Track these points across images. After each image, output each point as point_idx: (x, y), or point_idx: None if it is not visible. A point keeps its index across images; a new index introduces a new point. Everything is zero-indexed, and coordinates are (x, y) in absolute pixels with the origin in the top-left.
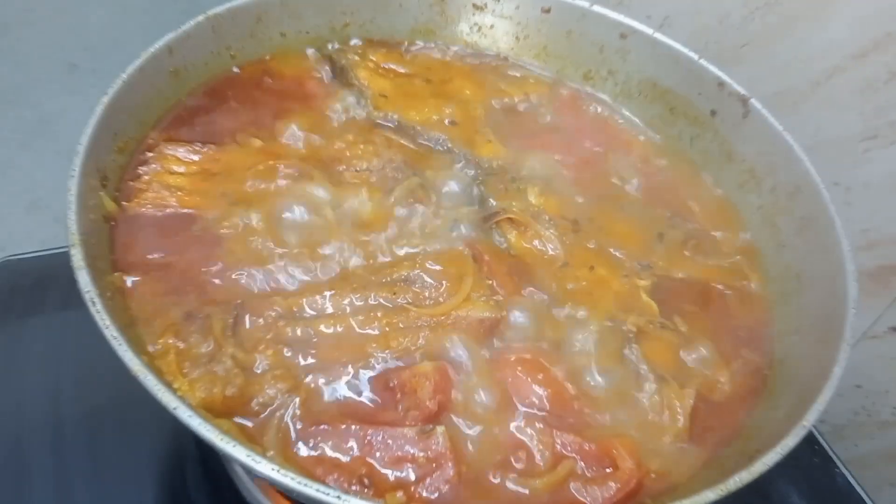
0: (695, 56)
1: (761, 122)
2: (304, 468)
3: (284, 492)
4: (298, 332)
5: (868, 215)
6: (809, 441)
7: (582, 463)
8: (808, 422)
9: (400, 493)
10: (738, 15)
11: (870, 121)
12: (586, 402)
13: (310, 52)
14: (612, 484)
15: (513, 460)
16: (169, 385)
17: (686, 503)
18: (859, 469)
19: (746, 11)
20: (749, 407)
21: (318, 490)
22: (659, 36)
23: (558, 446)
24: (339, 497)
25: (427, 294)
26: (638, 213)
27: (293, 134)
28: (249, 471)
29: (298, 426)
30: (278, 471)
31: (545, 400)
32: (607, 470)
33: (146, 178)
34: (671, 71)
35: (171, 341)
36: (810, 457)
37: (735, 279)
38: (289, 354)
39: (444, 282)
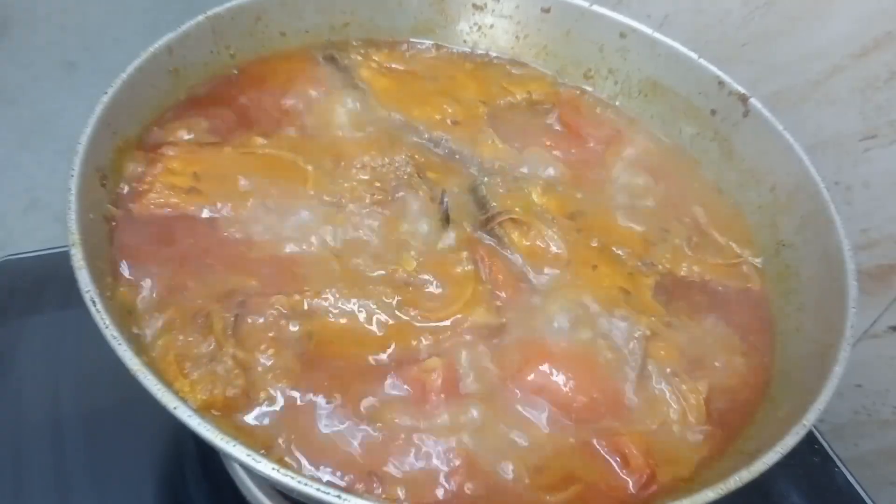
0: (694, 55)
1: (761, 122)
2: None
3: (285, 491)
4: (300, 331)
5: (868, 215)
6: (809, 440)
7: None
8: (808, 421)
9: (402, 492)
10: (738, 14)
11: (870, 120)
12: (596, 400)
13: (311, 51)
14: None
15: (523, 459)
16: (169, 385)
17: (686, 503)
18: (859, 468)
19: (746, 11)
20: (758, 399)
21: (318, 489)
22: (659, 35)
23: (570, 442)
24: (339, 496)
25: (429, 297)
26: (639, 211)
27: (294, 133)
28: (249, 470)
29: (303, 426)
30: (278, 470)
31: (553, 399)
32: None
33: (147, 178)
34: (671, 70)
35: (171, 341)
36: (810, 456)
37: (736, 277)
38: (290, 354)
39: (445, 285)
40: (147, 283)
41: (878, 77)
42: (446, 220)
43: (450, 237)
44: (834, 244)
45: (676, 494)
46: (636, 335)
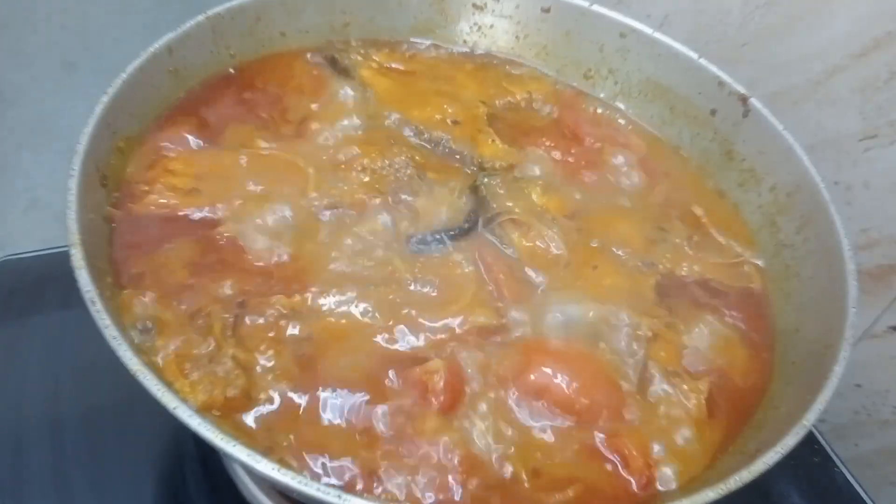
0: (694, 55)
1: (761, 122)
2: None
3: (285, 491)
4: (300, 331)
5: (868, 214)
6: (809, 440)
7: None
8: (808, 421)
9: (402, 492)
10: (738, 14)
11: (870, 120)
12: (597, 400)
13: (311, 51)
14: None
15: (524, 460)
16: (169, 385)
17: (686, 503)
18: (859, 468)
19: (746, 10)
20: (758, 399)
21: (318, 489)
22: (659, 35)
23: (571, 443)
24: (339, 496)
25: (429, 298)
26: (639, 211)
27: (294, 133)
28: (250, 470)
29: (303, 426)
30: (278, 470)
31: (554, 400)
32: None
33: (147, 178)
34: (671, 70)
35: (171, 341)
36: (810, 456)
37: (737, 277)
38: (290, 355)
39: (445, 286)
40: (147, 283)
41: (878, 77)
42: (474, 214)
43: (452, 241)
44: (834, 244)
45: (676, 494)
46: (637, 335)
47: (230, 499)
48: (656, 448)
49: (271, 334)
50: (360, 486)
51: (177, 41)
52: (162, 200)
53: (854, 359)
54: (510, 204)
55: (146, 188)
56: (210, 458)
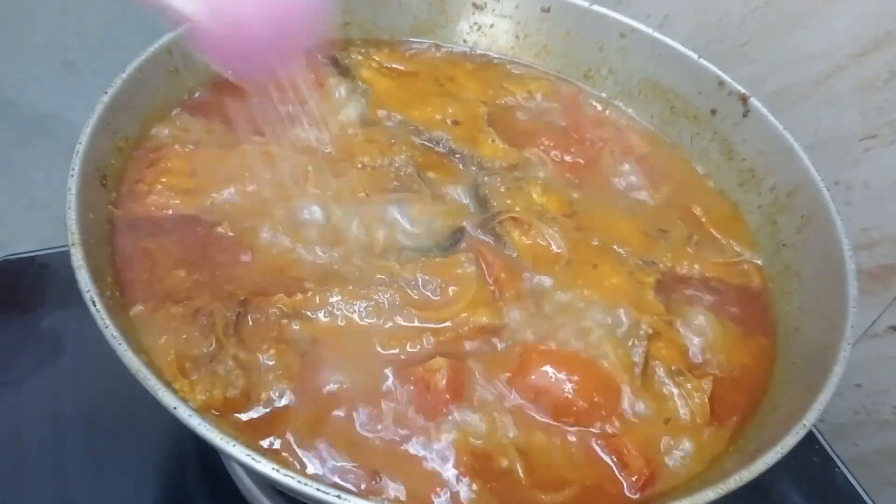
0: (694, 55)
1: (761, 121)
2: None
3: (285, 491)
4: (302, 331)
5: (868, 214)
6: (809, 440)
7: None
8: (808, 421)
9: (403, 492)
10: (738, 14)
11: (870, 120)
12: (597, 400)
13: (311, 50)
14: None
15: (524, 459)
16: (169, 385)
17: (686, 502)
18: (859, 468)
19: (746, 10)
20: (759, 399)
21: (318, 489)
22: (659, 35)
23: (570, 443)
24: (339, 496)
25: (431, 298)
26: (639, 211)
27: (295, 132)
28: (250, 470)
29: (304, 426)
30: (278, 470)
31: (554, 400)
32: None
33: (147, 178)
34: (671, 70)
35: (171, 341)
36: (810, 456)
37: (737, 276)
38: (292, 354)
39: (446, 286)
40: (147, 282)
41: (878, 77)
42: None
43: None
44: (834, 244)
45: (676, 494)
46: (638, 333)
47: (230, 499)
48: (656, 447)
49: (273, 334)
50: (362, 486)
51: (177, 41)
52: (162, 200)
53: (854, 359)
54: (510, 203)
55: (146, 188)
56: (210, 458)
